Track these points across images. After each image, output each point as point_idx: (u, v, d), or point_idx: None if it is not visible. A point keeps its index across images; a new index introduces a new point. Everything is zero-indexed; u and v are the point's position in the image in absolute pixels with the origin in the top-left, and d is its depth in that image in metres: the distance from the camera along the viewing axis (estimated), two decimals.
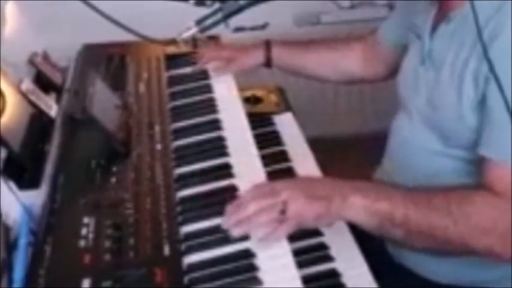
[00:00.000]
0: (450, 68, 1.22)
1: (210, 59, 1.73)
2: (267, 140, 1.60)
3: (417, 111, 1.33)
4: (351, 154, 2.62)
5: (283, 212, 1.14)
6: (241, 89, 1.68)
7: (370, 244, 1.29)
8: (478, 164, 1.19)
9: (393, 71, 1.61)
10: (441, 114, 1.25)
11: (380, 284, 1.19)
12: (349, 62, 1.69)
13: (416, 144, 1.33)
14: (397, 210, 1.14)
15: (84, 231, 1.15)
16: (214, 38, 1.83)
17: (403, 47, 1.48)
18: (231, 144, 1.41)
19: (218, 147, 1.41)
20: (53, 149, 1.38)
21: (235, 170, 1.33)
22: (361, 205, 1.14)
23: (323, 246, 1.27)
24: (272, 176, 1.36)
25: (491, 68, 1.07)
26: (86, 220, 1.18)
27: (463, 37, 1.20)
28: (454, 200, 1.14)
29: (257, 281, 1.07)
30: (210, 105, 1.57)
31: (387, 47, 1.59)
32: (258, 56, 1.72)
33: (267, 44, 1.72)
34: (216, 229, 1.18)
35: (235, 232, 1.14)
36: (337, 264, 1.23)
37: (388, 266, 1.41)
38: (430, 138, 1.30)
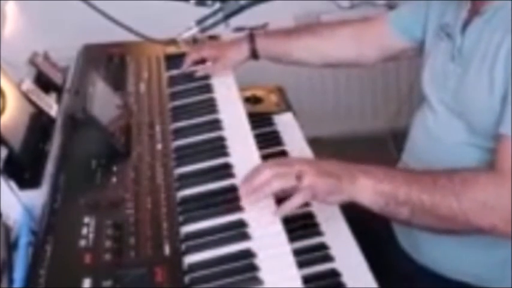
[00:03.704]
0: (481, 57, 1.23)
1: (192, 61, 1.72)
2: (267, 140, 1.60)
3: (444, 106, 1.34)
4: (351, 154, 2.62)
5: (298, 179, 1.17)
6: (241, 89, 1.68)
7: (384, 242, 1.30)
8: None
9: (387, 58, 1.64)
10: (470, 105, 1.26)
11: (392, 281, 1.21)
12: (334, 47, 1.70)
13: (442, 136, 1.35)
14: (400, 190, 1.17)
15: (84, 231, 1.15)
16: (214, 38, 1.84)
17: (416, 41, 1.51)
18: (231, 144, 1.41)
19: (218, 147, 1.41)
20: (54, 149, 1.38)
21: (236, 170, 1.33)
22: (367, 185, 1.18)
23: (323, 246, 1.27)
24: None
25: None
26: (86, 220, 1.18)
27: (496, 26, 1.22)
28: (458, 179, 1.16)
29: (258, 281, 1.08)
30: (211, 105, 1.57)
31: (396, 35, 1.59)
32: (243, 50, 1.71)
33: (251, 37, 1.71)
34: (217, 229, 1.18)
35: (248, 202, 1.19)
36: (337, 264, 1.23)
37: (401, 261, 1.43)
38: (456, 128, 1.31)
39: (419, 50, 1.52)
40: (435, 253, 1.38)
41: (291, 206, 1.19)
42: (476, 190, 1.15)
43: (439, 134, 1.36)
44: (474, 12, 1.29)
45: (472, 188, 1.15)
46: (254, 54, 1.71)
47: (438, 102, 1.37)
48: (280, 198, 1.22)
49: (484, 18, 1.26)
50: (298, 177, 1.17)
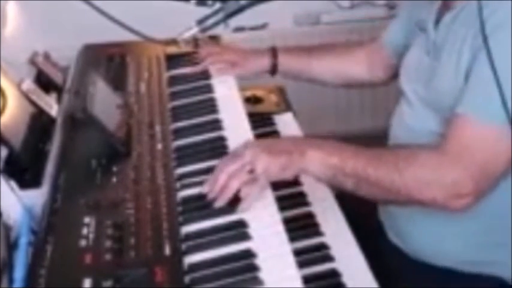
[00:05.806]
0: (449, 49, 1.28)
1: (211, 64, 1.72)
2: None
3: (418, 97, 1.38)
4: None
5: (251, 171, 1.23)
6: (241, 88, 1.69)
7: (372, 235, 1.35)
8: None
9: (393, 76, 1.66)
10: (440, 94, 1.30)
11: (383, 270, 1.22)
12: (351, 67, 1.74)
13: (419, 128, 1.38)
14: (348, 163, 1.24)
15: (84, 230, 1.15)
16: (215, 38, 1.84)
17: (405, 48, 1.52)
18: (232, 144, 1.41)
19: (219, 147, 1.41)
20: (54, 149, 1.38)
21: None
22: (317, 158, 1.24)
23: (323, 246, 1.27)
24: None
25: (485, 40, 1.16)
26: (86, 220, 1.17)
27: (464, 20, 1.27)
28: (401, 156, 1.24)
29: (258, 281, 1.08)
30: (211, 105, 1.57)
31: (390, 51, 1.64)
32: (264, 64, 1.73)
33: (273, 52, 1.73)
34: (217, 229, 1.18)
35: (217, 204, 1.23)
36: (338, 264, 1.23)
37: (388, 251, 1.45)
38: (431, 120, 1.34)
39: None
40: (420, 239, 1.40)
41: (250, 197, 1.22)
42: (416, 166, 1.21)
43: (414, 126, 1.39)
44: (445, 8, 1.34)
45: (412, 164, 1.21)
46: (273, 69, 1.73)
47: (412, 94, 1.40)
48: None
49: (453, 13, 1.31)
50: (251, 170, 1.22)
